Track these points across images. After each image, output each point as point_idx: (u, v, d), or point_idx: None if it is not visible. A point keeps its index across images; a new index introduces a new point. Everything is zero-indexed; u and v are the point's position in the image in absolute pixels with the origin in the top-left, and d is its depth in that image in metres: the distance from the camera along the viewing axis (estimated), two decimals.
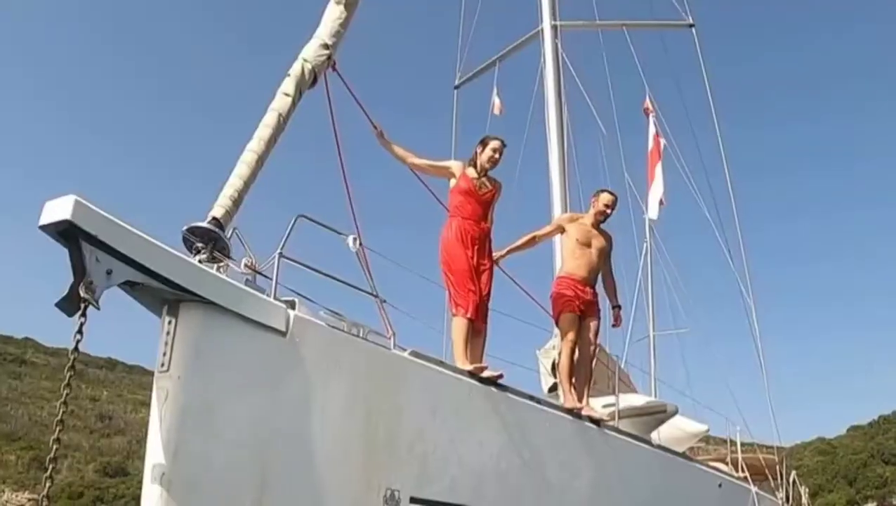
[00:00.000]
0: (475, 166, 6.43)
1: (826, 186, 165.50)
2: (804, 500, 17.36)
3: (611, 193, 7.50)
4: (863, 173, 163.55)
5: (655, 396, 15.20)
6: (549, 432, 5.94)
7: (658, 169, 13.54)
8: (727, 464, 11.83)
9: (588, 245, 7.23)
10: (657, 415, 8.42)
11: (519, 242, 7.13)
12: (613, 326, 7.74)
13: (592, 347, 7.17)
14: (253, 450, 3.76)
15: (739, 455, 11.75)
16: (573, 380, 6.89)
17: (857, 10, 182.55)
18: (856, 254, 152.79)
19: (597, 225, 7.39)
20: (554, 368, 10.92)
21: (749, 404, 16.67)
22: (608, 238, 7.52)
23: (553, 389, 10.99)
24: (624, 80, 14.57)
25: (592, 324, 7.12)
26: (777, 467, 14.07)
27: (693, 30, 14.33)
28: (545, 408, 6.00)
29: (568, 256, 7.28)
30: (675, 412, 9.00)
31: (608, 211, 7.40)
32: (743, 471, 11.45)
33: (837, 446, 65.40)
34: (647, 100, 13.85)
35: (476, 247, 6.17)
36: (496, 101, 13.48)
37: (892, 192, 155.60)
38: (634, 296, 18.50)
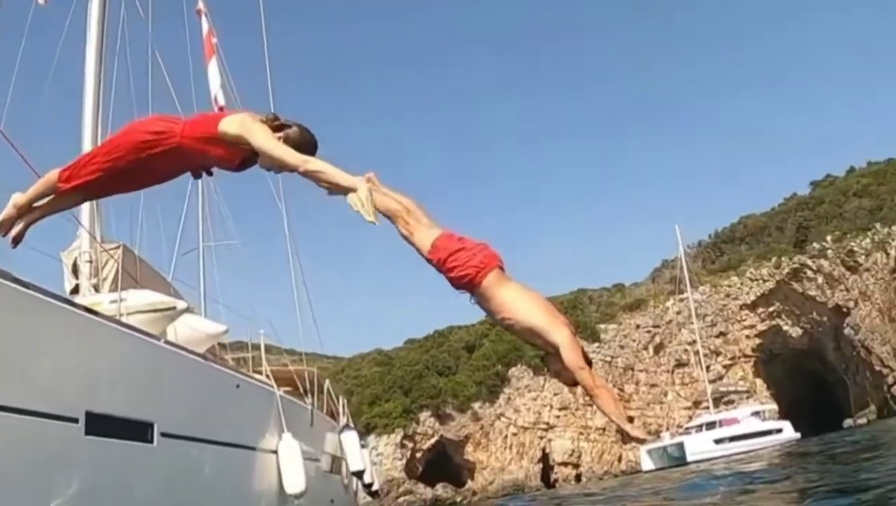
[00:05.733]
0: None
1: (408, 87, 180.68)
2: (342, 408, 19.52)
3: None
4: (444, 74, 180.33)
5: (205, 309, 16.24)
6: (27, 321, 6.10)
7: (212, 66, 14.37)
8: (265, 375, 13.08)
9: None
10: (167, 312, 9.14)
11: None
12: None
13: None
14: None
15: (264, 360, 13.11)
16: None
17: None
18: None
19: None
20: (75, 268, 11.49)
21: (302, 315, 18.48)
22: None
23: (75, 291, 11.54)
24: None
25: None
26: (306, 376, 15.87)
27: None
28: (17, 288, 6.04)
29: None
30: (186, 310, 9.82)
31: None
32: (269, 378, 12.72)
33: (394, 357, 72.18)
34: (200, 2, 14.69)
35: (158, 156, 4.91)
36: None
37: (473, 93, 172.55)
38: (185, 208, 19.30)
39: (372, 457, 54.05)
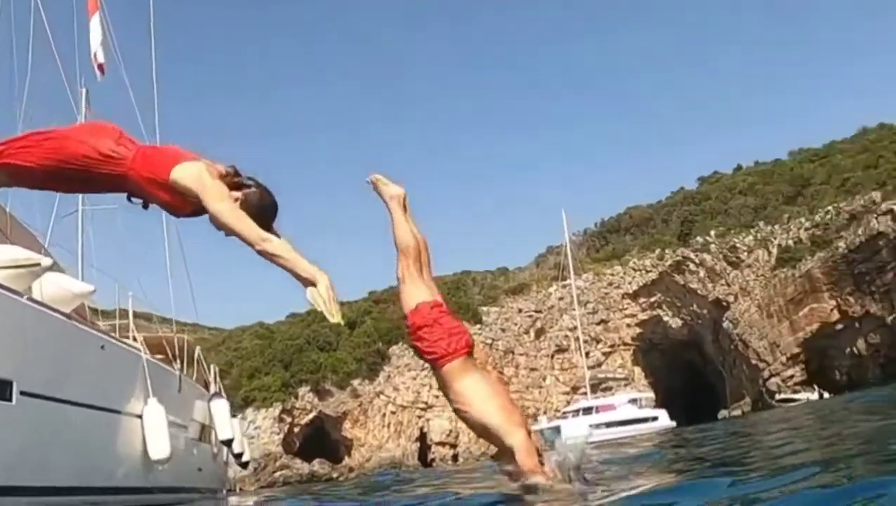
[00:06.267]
0: None
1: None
2: (212, 376, 19.51)
3: None
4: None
5: (82, 273, 16.07)
6: None
7: (94, 22, 14.29)
8: (132, 339, 13.05)
9: None
10: (32, 269, 9.01)
11: None
12: None
13: None
14: None
15: (131, 323, 13.10)
16: None
17: None
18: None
19: None
20: None
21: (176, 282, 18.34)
22: None
23: None
24: None
25: None
26: (175, 343, 15.88)
27: None
28: None
29: None
30: (51, 267, 9.71)
31: None
32: (136, 341, 12.71)
33: (276, 331, 72.56)
34: None
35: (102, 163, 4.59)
36: None
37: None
38: None
39: (249, 430, 54.01)
